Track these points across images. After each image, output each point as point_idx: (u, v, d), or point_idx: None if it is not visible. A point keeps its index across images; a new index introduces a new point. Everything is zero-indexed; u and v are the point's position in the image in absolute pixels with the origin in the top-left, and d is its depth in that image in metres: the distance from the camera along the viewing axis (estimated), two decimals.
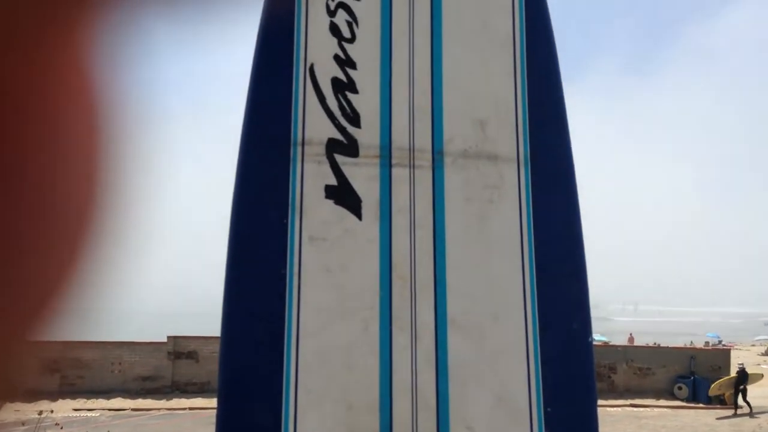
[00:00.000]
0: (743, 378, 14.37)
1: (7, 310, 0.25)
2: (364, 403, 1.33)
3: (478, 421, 1.35)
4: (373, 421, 1.33)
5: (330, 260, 1.40)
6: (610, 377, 24.13)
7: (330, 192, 1.43)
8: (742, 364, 14.47)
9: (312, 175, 1.43)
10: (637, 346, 28.59)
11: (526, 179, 1.49)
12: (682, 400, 22.89)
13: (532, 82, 1.51)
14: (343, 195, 1.43)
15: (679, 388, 23.37)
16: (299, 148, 1.44)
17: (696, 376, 23.37)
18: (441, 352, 1.37)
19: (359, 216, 1.43)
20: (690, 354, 24.95)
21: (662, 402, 22.59)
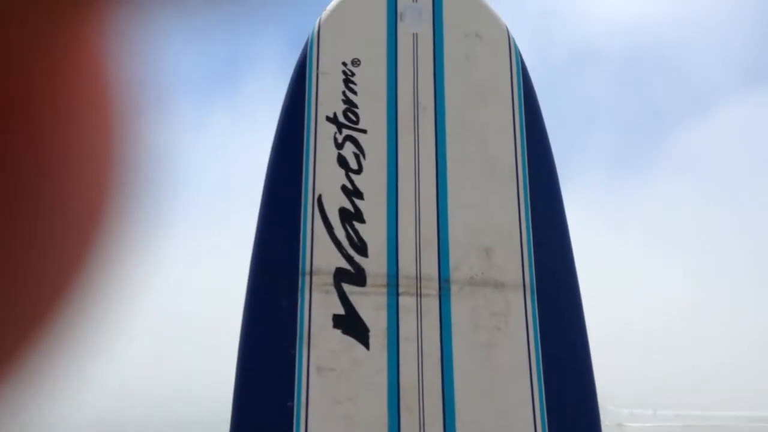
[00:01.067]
0: None
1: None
2: None
3: None
4: None
5: (338, 391, 1.40)
6: None
7: (338, 321, 1.45)
8: None
9: (320, 305, 1.45)
10: None
11: (533, 305, 1.50)
12: None
13: (536, 212, 1.54)
14: (351, 325, 1.45)
15: None
16: (307, 278, 1.46)
17: None
18: None
19: (367, 346, 1.43)
20: None
21: None
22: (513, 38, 1.68)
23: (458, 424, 1.40)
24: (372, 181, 1.53)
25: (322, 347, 1.43)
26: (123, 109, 0.24)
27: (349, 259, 1.48)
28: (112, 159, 0.24)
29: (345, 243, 1.49)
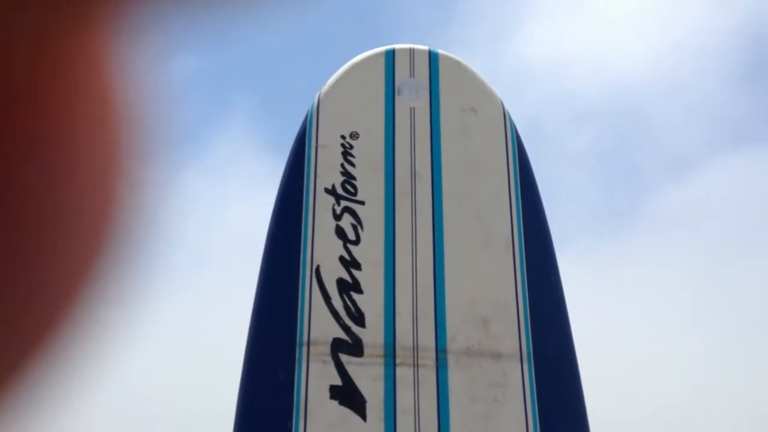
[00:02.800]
0: None
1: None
2: None
3: None
4: None
5: None
6: None
7: (335, 392, 1.45)
8: None
9: (317, 375, 1.45)
10: None
11: (530, 376, 1.50)
12: None
13: (532, 282, 1.56)
14: (348, 395, 1.44)
15: None
16: (305, 348, 1.47)
17: None
18: None
19: (364, 417, 1.43)
20: None
21: None
22: (508, 112, 1.73)
23: None
24: (370, 252, 1.55)
25: (319, 419, 1.42)
26: (128, 115, 0.23)
27: (346, 329, 1.49)
28: (116, 168, 0.24)
29: (342, 313, 1.50)
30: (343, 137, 1.64)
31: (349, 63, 1.73)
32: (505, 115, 1.72)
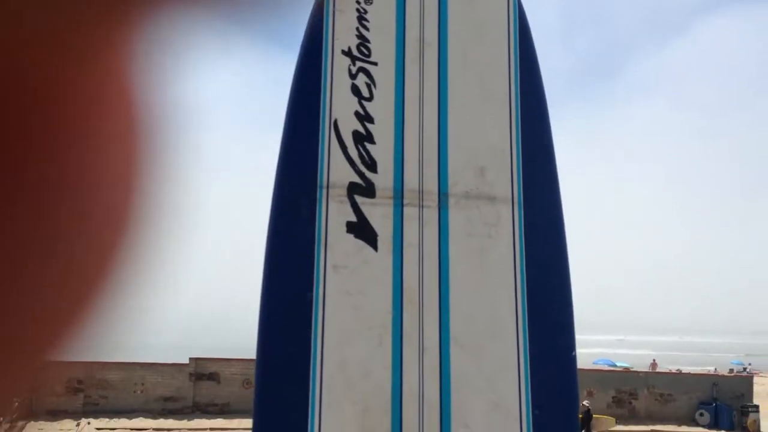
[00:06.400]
0: (587, 419, 13.23)
1: (30, 328, 0.25)
2: (378, 406, 1.57)
3: (475, 422, 1.59)
4: (386, 422, 1.57)
5: (350, 286, 1.65)
6: (631, 403, 23.97)
7: (350, 227, 1.68)
8: (587, 403, 13.34)
9: (335, 213, 1.69)
10: (658, 373, 28.37)
11: (520, 217, 1.73)
12: (703, 426, 22.70)
13: (525, 135, 1.76)
14: (362, 230, 1.68)
15: (701, 415, 23.17)
16: (324, 191, 1.70)
17: (718, 402, 23.16)
18: (444, 365, 1.61)
19: (375, 248, 1.68)
20: (712, 381, 24.71)
21: (684, 428, 22.42)
22: None
23: (452, 316, 1.65)
24: (382, 107, 1.75)
25: (337, 249, 1.67)
26: (149, 116, 0.25)
27: (360, 174, 1.71)
28: (136, 161, 0.26)
29: (357, 161, 1.72)
30: (358, 2, 1.80)
31: None
32: None
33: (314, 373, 1.58)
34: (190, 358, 19.77)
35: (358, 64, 1.77)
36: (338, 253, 1.67)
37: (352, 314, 1.63)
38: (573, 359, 1.67)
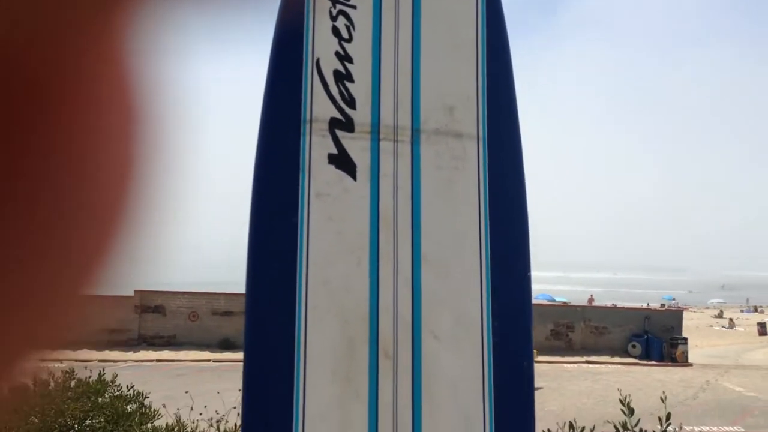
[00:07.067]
0: None
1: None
2: (357, 318, 1.78)
3: (443, 332, 1.81)
4: (364, 332, 1.78)
5: (332, 212, 1.83)
6: (568, 335, 25.11)
7: (332, 159, 1.85)
8: None
9: (318, 146, 1.85)
10: (595, 306, 29.66)
11: (484, 153, 1.92)
12: (635, 357, 23.99)
13: (490, 80, 1.94)
14: (342, 161, 1.85)
15: (633, 346, 24.46)
16: (308, 125, 1.85)
17: (649, 335, 24.45)
18: (416, 282, 1.81)
19: (354, 178, 1.85)
20: (645, 314, 26.02)
21: (617, 359, 23.64)
22: None
23: (423, 238, 1.85)
24: (360, 48, 1.90)
25: (320, 178, 1.84)
26: (145, 102, 0.25)
27: (341, 110, 1.87)
28: (134, 145, 0.26)
29: (338, 98, 1.87)
30: None
31: None
32: None
33: (300, 290, 1.77)
34: (135, 291, 19.73)
35: (338, 6, 1.91)
36: (320, 182, 1.84)
37: (333, 238, 1.81)
38: (528, 279, 1.90)
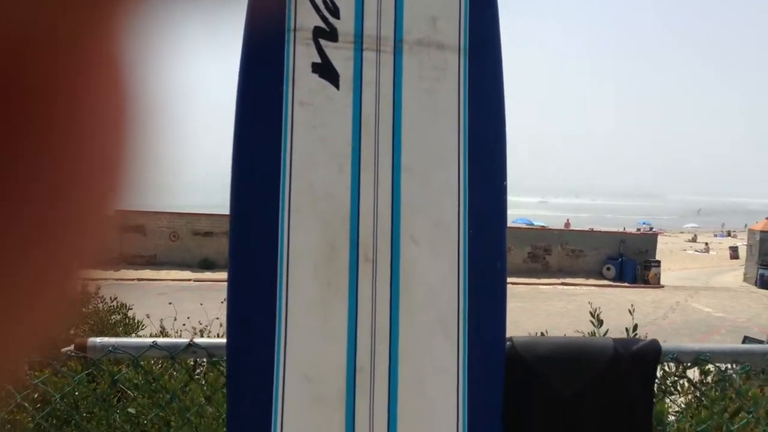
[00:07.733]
0: None
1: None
2: (338, 220, 1.85)
3: (421, 236, 1.89)
4: (345, 234, 1.86)
5: (315, 120, 1.88)
6: (545, 258, 25.63)
7: (315, 68, 1.89)
8: None
9: (302, 55, 1.88)
10: (571, 230, 30.18)
11: (465, 65, 1.97)
12: (609, 279, 24.62)
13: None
14: (325, 70, 1.89)
15: (608, 269, 25.06)
16: (292, 34, 1.88)
17: (624, 258, 25.02)
18: (396, 188, 1.88)
19: (337, 87, 1.89)
20: (620, 238, 26.55)
21: (591, 281, 24.25)
22: None
23: (403, 146, 1.91)
24: None
25: (303, 87, 1.88)
26: (139, 98, 0.25)
27: (324, 19, 1.89)
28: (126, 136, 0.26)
29: (322, 7, 1.89)
30: None
31: None
32: None
33: (283, 192, 1.84)
34: (116, 210, 19.72)
35: None
36: (304, 91, 1.88)
37: (316, 144, 1.87)
38: (504, 187, 1.97)
